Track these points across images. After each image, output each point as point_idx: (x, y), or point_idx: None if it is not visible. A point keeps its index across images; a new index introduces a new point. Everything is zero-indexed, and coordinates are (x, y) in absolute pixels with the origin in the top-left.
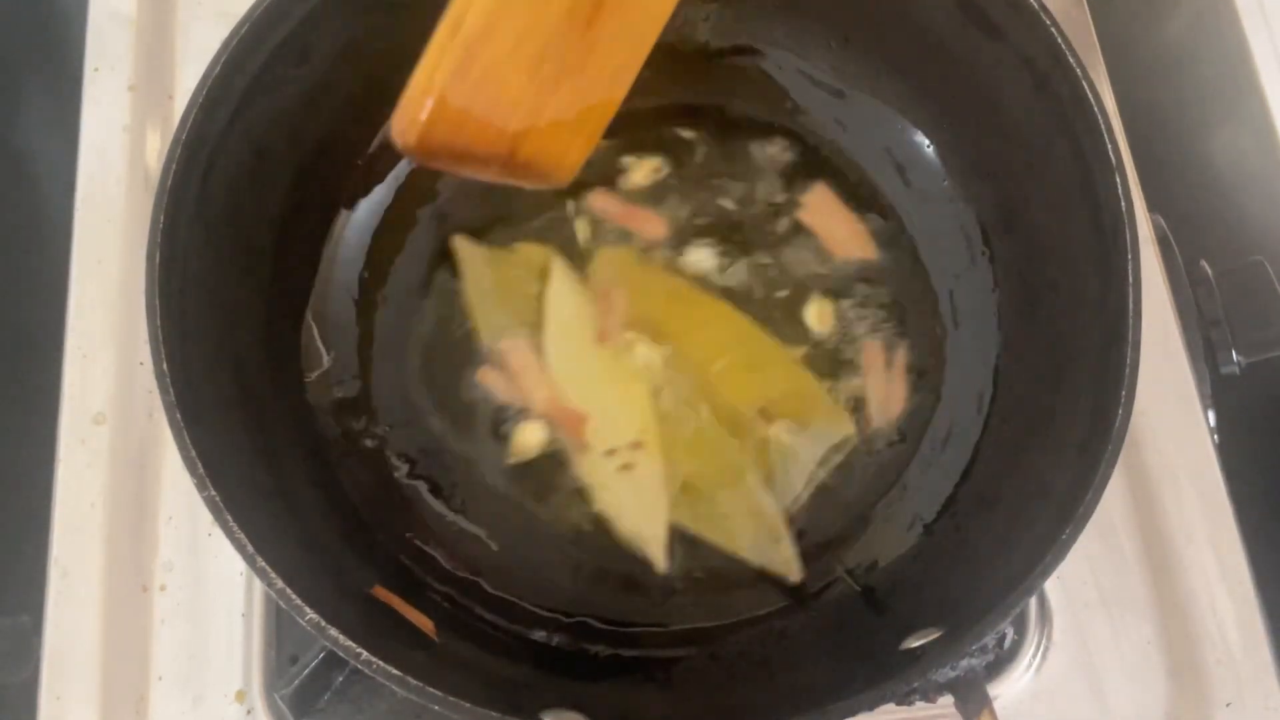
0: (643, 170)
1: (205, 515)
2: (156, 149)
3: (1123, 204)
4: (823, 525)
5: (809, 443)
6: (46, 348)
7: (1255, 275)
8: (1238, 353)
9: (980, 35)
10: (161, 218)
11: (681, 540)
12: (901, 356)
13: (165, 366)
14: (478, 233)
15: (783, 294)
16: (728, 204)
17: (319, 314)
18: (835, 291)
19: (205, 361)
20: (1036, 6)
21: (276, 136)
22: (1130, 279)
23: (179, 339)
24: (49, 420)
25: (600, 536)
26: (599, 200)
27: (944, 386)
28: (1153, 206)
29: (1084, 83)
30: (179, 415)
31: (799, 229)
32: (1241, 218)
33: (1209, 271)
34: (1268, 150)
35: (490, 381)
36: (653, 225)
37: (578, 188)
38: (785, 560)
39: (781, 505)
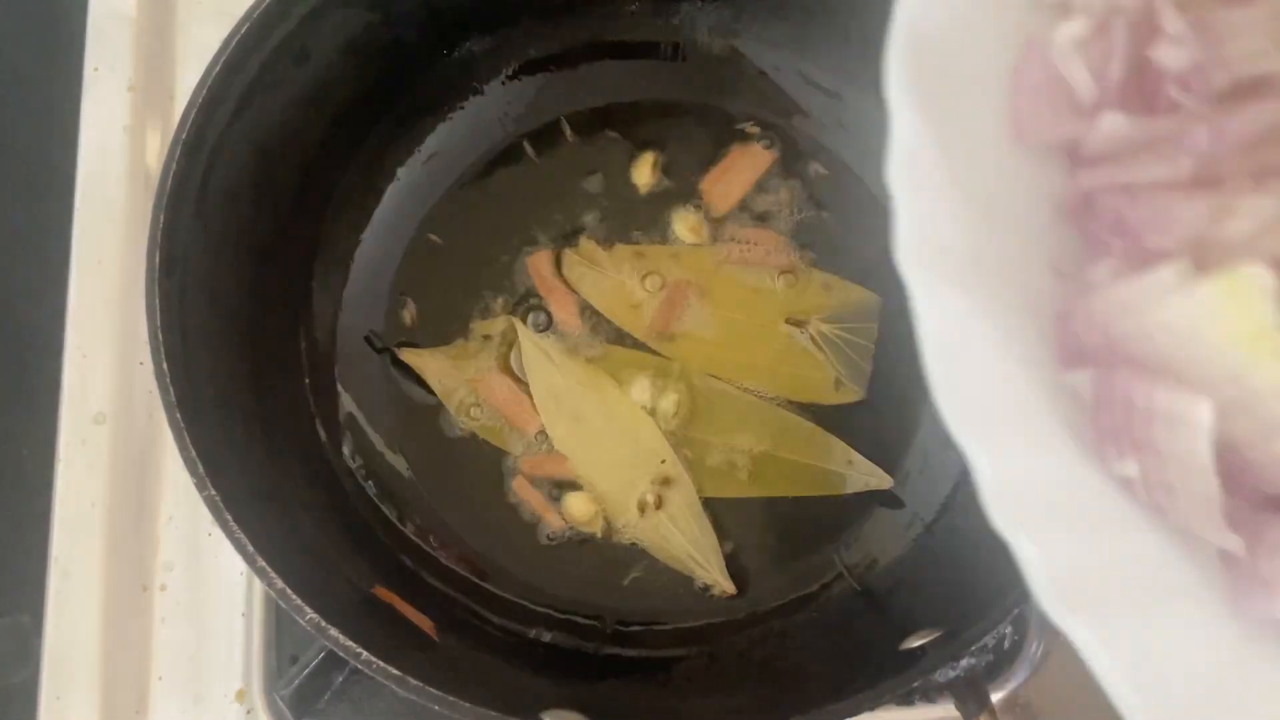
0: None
1: (205, 515)
2: (156, 149)
3: None
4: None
5: (849, 324)
6: (46, 348)
7: None
8: None
9: None
10: (161, 218)
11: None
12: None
13: (165, 366)
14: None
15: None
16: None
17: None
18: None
19: (205, 361)
20: None
21: (276, 136)
22: None
23: (179, 339)
24: (49, 420)
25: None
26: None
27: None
28: None
29: None
30: (179, 415)
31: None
32: None
33: None
34: None
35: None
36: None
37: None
38: (872, 473)
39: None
